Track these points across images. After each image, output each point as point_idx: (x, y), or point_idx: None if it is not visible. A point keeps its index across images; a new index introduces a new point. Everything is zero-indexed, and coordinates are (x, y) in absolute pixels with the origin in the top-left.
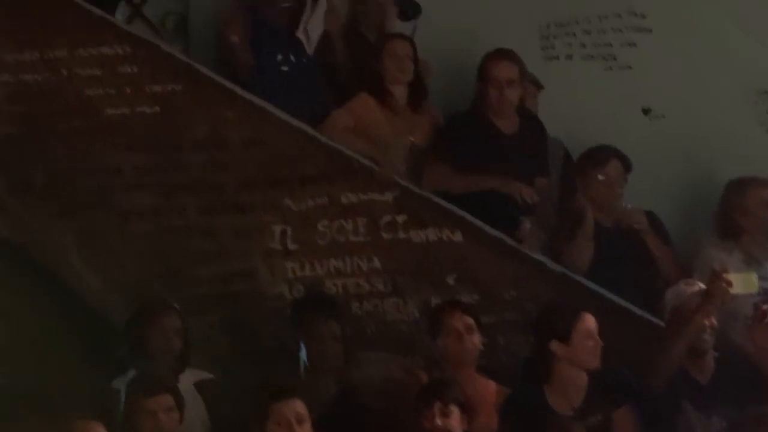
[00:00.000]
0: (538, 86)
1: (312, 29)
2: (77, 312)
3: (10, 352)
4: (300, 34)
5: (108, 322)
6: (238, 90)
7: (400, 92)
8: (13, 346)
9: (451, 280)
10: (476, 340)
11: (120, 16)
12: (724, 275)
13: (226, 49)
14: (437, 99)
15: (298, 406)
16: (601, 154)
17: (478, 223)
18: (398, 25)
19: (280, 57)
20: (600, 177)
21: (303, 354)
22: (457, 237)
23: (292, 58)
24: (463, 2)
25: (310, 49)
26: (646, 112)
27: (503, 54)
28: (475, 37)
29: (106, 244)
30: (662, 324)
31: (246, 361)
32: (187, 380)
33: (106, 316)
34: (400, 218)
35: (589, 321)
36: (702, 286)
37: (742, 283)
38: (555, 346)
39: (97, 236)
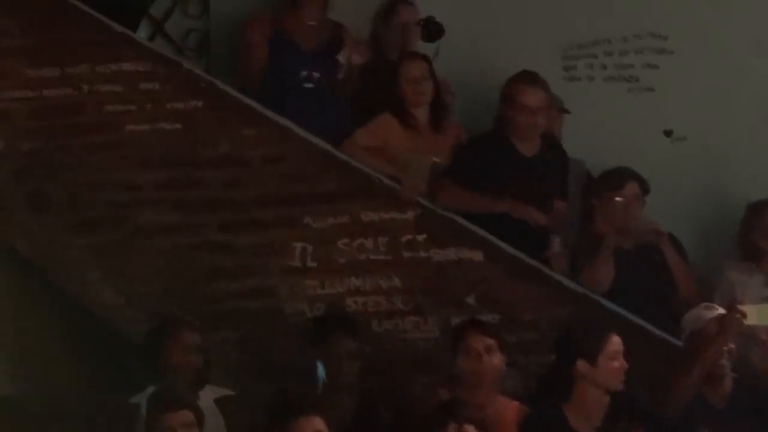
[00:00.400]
0: (563, 111)
1: (348, 57)
2: (94, 328)
3: (26, 369)
4: (341, 57)
5: (126, 338)
6: (259, 107)
7: (421, 113)
8: (29, 363)
9: (471, 300)
10: (496, 360)
11: (142, 33)
12: (740, 307)
13: (243, 48)
14: (458, 119)
15: (318, 423)
16: (618, 176)
17: (499, 242)
18: (421, 46)
19: (304, 73)
20: (617, 199)
21: (321, 371)
22: (478, 256)
23: (316, 75)
24: (486, 22)
25: (342, 74)
26: (667, 134)
27: (532, 80)
28: (497, 57)
29: (124, 260)
30: (681, 344)
31: (265, 378)
32: (206, 396)
33: (124, 333)
34: (421, 237)
35: (617, 343)
36: (721, 310)
37: (757, 314)
38: (581, 365)
39: (115, 252)
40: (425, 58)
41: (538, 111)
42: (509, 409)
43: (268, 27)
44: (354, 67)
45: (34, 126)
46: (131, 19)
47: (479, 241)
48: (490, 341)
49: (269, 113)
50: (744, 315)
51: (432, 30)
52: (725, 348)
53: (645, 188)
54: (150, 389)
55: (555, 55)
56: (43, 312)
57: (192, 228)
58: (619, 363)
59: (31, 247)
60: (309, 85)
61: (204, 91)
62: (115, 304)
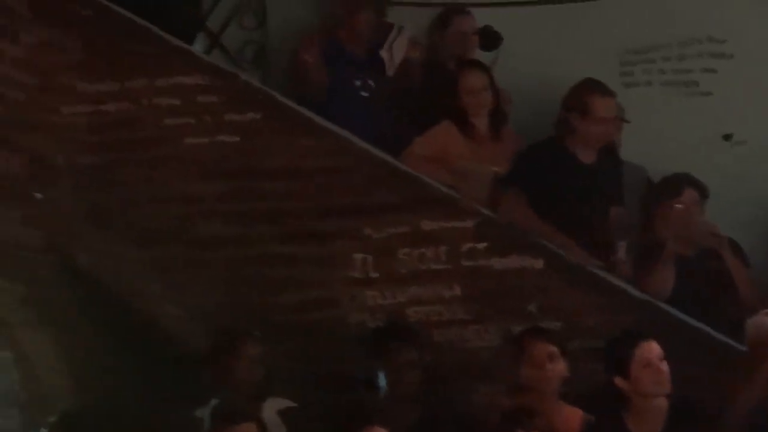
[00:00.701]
0: (623, 120)
1: (396, 51)
2: (156, 341)
3: (89, 383)
4: (384, 53)
5: (188, 351)
6: (317, 118)
7: (480, 121)
8: (92, 377)
9: (532, 308)
10: (559, 368)
11: (199, 47)
12: None
13: (299, 69)
14: (515, 126)
15: None
16: (676, 183)
17: (560, 250)
18: (479, 55)
19: (359, 82)
20: (677, 206)
21: (382, 382)
22: (539, 264)
23: (371, 83)
24: (543, 30)
25: (391, 70)
26: (726, 138)
27: (605, 91)
28: (554, 64)
29: (185, 273)
30: (744, 350)
31: (327, 389)
32: (270, 408)
33: (186, 345)
34: (481, 246)
35: (647, 349)
36: None
37: None
38: (619, 381)
39: (176, 265)
40: (484, 68)
41: (611, 121)
42: (573, 417)
43: (320, 44)
44: (410, 60)
45: (93, 140)
46: (188, 32)
47: (540, 249)
48: (553, 349)
49: (327, 124)
50: None
51: (489, 39)
52: None
53: (704, 194)
54: (213, 402)
55: (612, 61)
56: (105, 325)
57: (253, 240)
58: (652, 368)
59: (93, 260)
60: (365, 94)
61: (261, 102)
62: (177, 317)
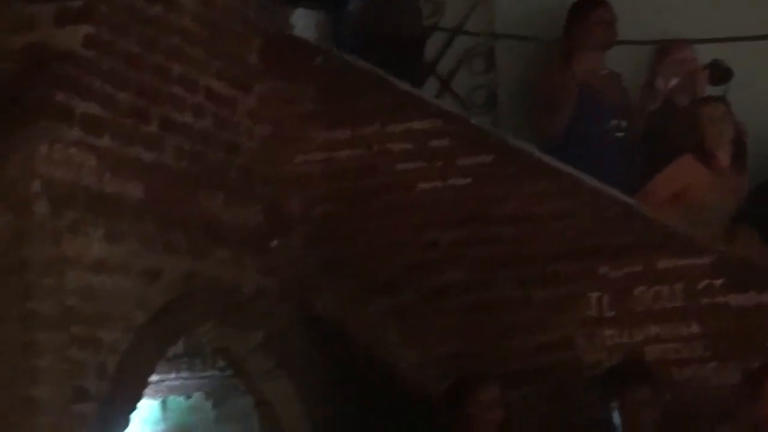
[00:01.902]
0: None
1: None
2: (393, 388)
3: (328, 429)
4: (659, 83)
5: (424, 397)
6: (549, 159)
7: (723, 153)
8: (330, 423)
9: None
10: None
11: (429, 92)
12: None
13: (547, 96)
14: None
15: None
16: None
17: None
18: (709, 90)
19: (614, 123)
20: None
21: (617, 421)
22: None
23: (623, 124)
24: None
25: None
26: None
27: None
28: None
29: (421, 319)
30: None
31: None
32: None
33: (423, 392)
34: (718, 282)
35: None
36: None
37: None
38: None
39: (412, 312)
40: (725, 103)
41: None
42: None
43: (575, 74)
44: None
45: (326, 188)
46: (417, 78)
47: None
48: None
49: (559, 165)
50: None
51: (720, 73)
52: None
53: None
54: None
55: None
56: (342, 372)
57: (488, 285)
58: None
59: (329, 307)
60: (620, 134)
61: (493, 146)
62: (413, 364)
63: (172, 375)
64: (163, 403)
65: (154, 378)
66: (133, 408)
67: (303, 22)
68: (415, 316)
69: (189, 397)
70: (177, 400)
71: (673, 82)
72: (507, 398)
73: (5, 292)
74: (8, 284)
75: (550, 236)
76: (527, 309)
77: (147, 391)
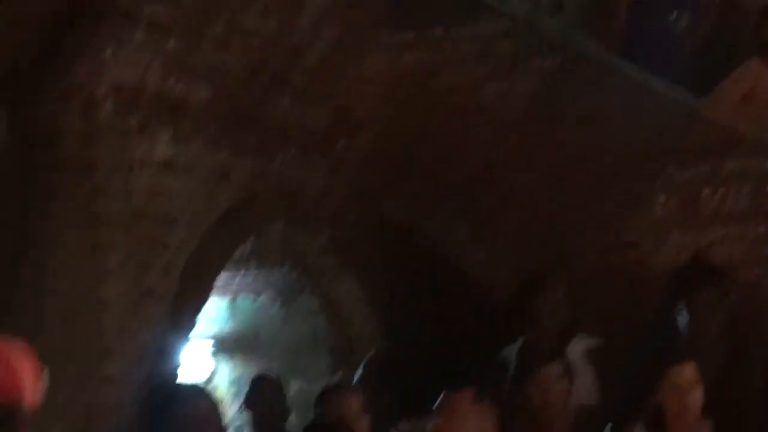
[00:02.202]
0: None
1: None
2: (460, 286)
3: (394, 326)
4: None
5: (491, 295)
6: (616, 62)
7: None
8: (396, 321)
9: None
10: None
11: None
12: None
13: None
14: None
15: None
16: None
17: None
18: None
19: (675, 14)
20: None
21: (683, 322)
22: None
23: (686, 18)
24: None
25: None
26: None
27: None
28: None
29: (489, 219)
30: None
31: (630, 329)
32: (576, 347)
33: (490, 290)
34: None
35: None
36: None
37: None
38: None
39: (480, 212)
40: None
41: None
42: None
43: None
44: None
45: (394, 92)
46: None
47: None
48: None
49: (628, 67)
50: None
51: None
52: None
53: None
54: (518, 342)
55: None
56: (409, 271)
57: (555, 186)
58: None
59: (398, 206)
60: (682, 27)
61: (560, 48)
62: (481, 264)
63: (241, 275)
64: (232, 303)
65: (222, 278)
66: (201, 307)
67: None
68: (484, 217)
69: (257, 296)
70: (245, 300)
71: None
72: (574, 298)
73: (73, 194)
74: (76, 186)
75: (617, 139)
76: (594, 211)
77: (216, 291)
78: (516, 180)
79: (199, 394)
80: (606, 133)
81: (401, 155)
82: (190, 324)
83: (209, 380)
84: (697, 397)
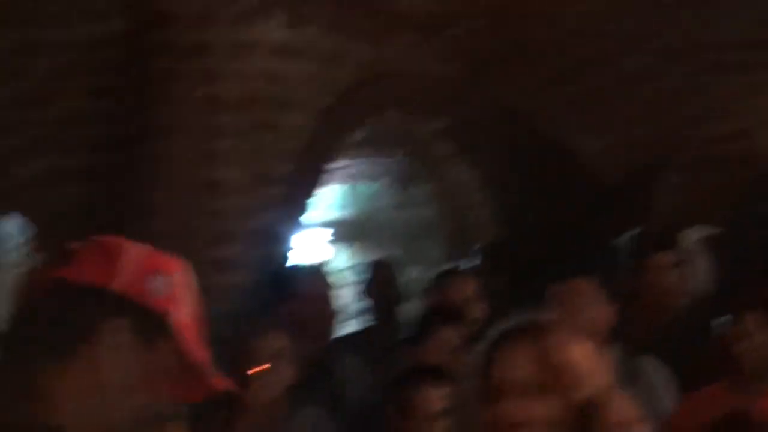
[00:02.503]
0: None
1: None
2: (572, 174)
3: (508, 214)
4: None
5: (604, 183)
6: None
7: None
8: (511, 208)
9: None
10: None
11: None
12: None
13: None
14: None
15: None
16: None
17: None
18: None
19: None
20: None
21: None
22: None
23: None
24: None
25: None
26: None
27: None
28: None
29: (603, 106)
30: None
31: (735, 220)
32: (692, 236)
33: (603, 177)
34: None
35: None
36: None
37: None
38: None
39: (594, 99)
40: None
41: None
42: None
43: None
44: None
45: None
46: None
47: None
48: None
49: None
50: None
51: None
52: None
53: None
54: (634, 231)
55: None
56: (524, 159)
57: (668, 73)
58: None
59: (512, 95)
60: None
61: None
62: (595, 152)
63: (358, 162)
64: (351, 188)
65: (340, 164)
66: (316, 192)
67: None
68: (597, 104)
69: (374, 183)
70: (363, 186)
71: None
72: (687, 187)
73: (189, 75)
74: (191, 68)
75: (728, 24)
76: (706, 98)
77: (334, 176)
78: (628, 67)
79: (316, 275)
80: (717, 19)
81: (516, 40)
82: (306, 208)
83: (327, 265)
84: None
